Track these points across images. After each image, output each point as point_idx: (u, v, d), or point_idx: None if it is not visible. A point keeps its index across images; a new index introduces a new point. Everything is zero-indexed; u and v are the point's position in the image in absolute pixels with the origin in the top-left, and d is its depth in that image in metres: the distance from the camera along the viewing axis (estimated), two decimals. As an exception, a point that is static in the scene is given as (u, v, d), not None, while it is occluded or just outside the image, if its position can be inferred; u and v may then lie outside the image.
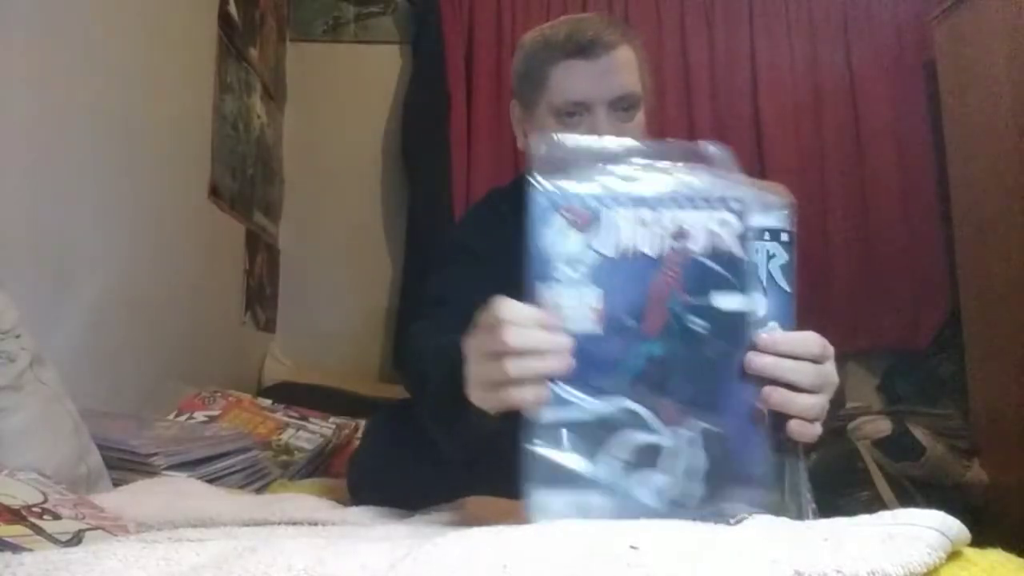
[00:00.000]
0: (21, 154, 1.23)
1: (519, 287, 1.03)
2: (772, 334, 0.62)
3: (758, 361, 0.61)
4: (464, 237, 1.14)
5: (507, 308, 0.60)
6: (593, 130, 1.02)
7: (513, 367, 0.59)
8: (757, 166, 2.69)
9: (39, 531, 0.68)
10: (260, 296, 2.50)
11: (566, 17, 1.11)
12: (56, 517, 0.72)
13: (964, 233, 2.32)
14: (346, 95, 2.83)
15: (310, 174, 2.79)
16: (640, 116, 1.06)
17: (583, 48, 1.03)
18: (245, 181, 2.33)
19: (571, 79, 1.03)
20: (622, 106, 1.04)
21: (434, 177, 2.65)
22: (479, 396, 0.64)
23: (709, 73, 2.76)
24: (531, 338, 0.59)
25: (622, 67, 1.04)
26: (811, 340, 0.63)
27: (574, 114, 1.03)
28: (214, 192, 2.05)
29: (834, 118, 2.74)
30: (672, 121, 2.72)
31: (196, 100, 1.99)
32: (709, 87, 2.75)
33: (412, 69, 2.78)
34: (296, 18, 2.86)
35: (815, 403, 0.62)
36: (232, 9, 2.21)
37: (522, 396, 0.59)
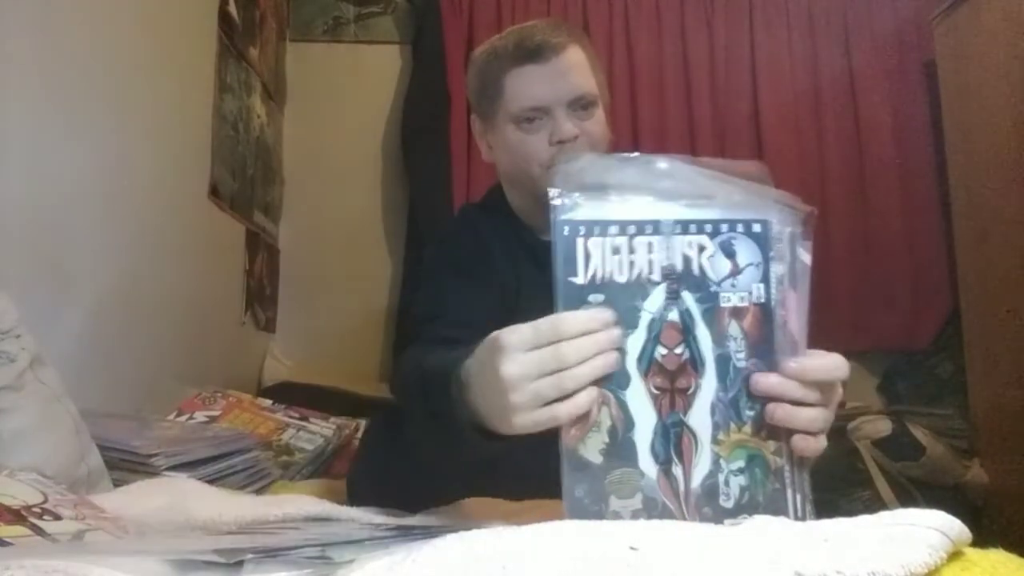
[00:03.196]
0: (21, 154, 1.23)
1: (502, 300, 1.04)
2: (801, 362, 0.61)
3: (764, 382, 0.61)
4: (444, 254, 1.15)
5: (560, 322, 0.59)
6: (554, 132, 1.03)
7: (570, 380, 0.58)
8: (757, 166, 2.69)
9: (39, 531, 0.68)
10: (260, 296, 2.50)
11: (513, 27, 1.12)
12: (56, 517, 0.72)
13: (964, 233, 2.32)
14: (346, 95, 2.83)
15: (310, 174, 2.79)
16: (599, 113, 1.07)
17: (532, 53, 1.04)
18: (245, 181, 2.33)
19: (525, 85, 1.04)
20: (580, 105, 1.05)
21: (434, 177, 2.65)
22: (524, 421, 0.60)
23: (709, 73, 2.76)
24: (587, 347, 0.58)
25: (574, 67, 1.05)
26: (838, 365, 0.63)
27: (533, 119, 1.04)
28: (214, 192, 2.05)
29: (834, 118, 2.74)
30: (672, 121, 2.72)
31: (196, 100, 1.99)
32: (709, 87, 2.75)
33: (412, 69, 2.78)
34: (296, 18, 2.86)
35: (818, 416, 0.62)
36: (232, 9, 2.21)
37: (582, 406, 0.58)
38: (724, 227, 0.63)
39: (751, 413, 0.62)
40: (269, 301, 2.62)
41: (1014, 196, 2.06)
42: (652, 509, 0.60)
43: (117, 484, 1.06)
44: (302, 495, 1.09)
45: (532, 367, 0.59)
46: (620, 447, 0.60)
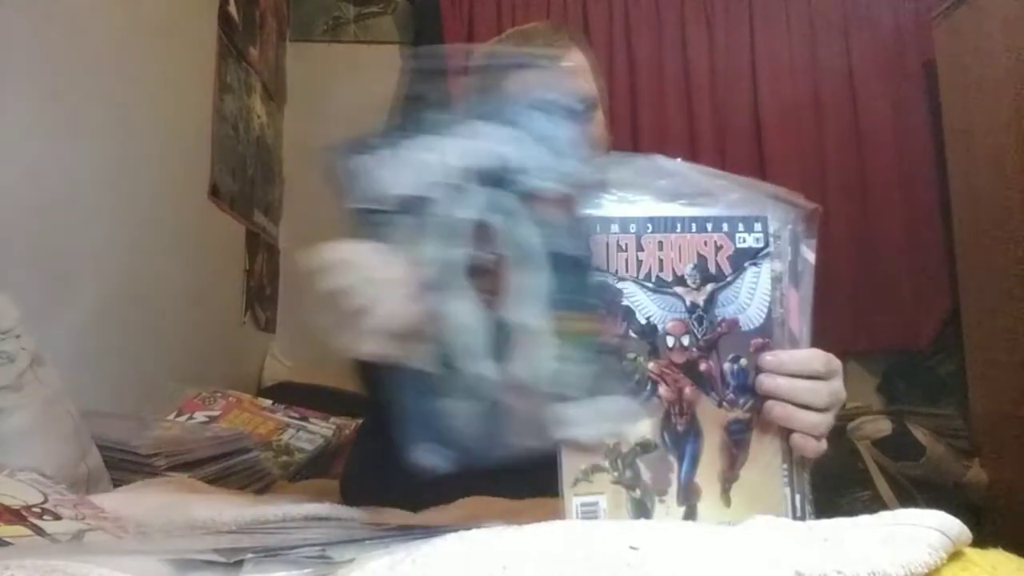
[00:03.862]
0: (21, 154, 1.23)
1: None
2: (777, 354, 0.62)
3: (770, 383, 0.60)
4: None
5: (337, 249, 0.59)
6: None
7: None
8: (757, 166, 2.69)
9: (39, 531, 0.68)
10: (260, 296, 2.50)
11: (512, 30, 1.12)
12: (56, 517, 0.72)
13: (964, 233, 2.32)
14: (346, 95, 2.83)
15: (310, 174, 2.79)
16: (599, 116, 1.08)
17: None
18: (245, 181, 2.33)
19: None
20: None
21: (434, 177, 2.65)
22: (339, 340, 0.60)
23: (709, 73, 2.76)
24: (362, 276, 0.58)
25: (575, 71, 1.05)
26: (815, 358, 0.62)
27: None
28: (214, 192, 2.05)
29: (834, 118, 2.74)
30: (672, 121, 2.72)
31: (196, 100, 1.99)
32: (709, 87, 2.75)
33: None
34: (296, 18, 2.86)
35: (822, 421, 0.61)
36: (232, 9, 2.21)
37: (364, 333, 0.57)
38: (724, 225, 0.63)
39: None
40: (269, 301, 2.62)
41: (1014, 196, 2.06)
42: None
43: (117, 484, 1.06)
44: (303, 495, 1.09)
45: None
46: None
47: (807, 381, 0.61)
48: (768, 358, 0.61)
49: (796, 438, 0.61)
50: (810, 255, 0.64)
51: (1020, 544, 0.51)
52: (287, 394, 1.96)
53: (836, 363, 0.64)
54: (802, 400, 0.61)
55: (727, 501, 0.61)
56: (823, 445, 0.62)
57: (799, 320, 0.64)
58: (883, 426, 2.19)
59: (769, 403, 0.61)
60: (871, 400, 2.58)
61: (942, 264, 2.59)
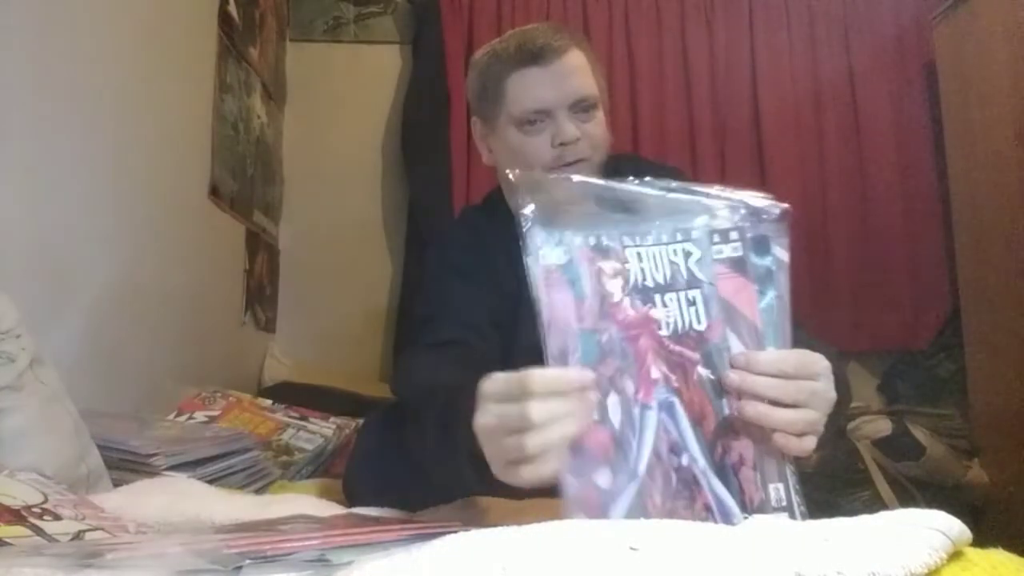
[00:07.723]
0: (21, 154, 1.23)
1: (503, 301, 1.05)
2: (747, 353, 0.61)
3: (733, 379, 0.61)
4: (445, 256, 1.15)
5: (528, 380, 0.57)
6: (556, 134, 1.04)
7: (532, 443, 0.56)
8: (757, 166, 2.69)
9: (39, 532, 0.68)
10: (260, 296, 2.50)
11: (514, 30, 1.13)
12: (56, 518, 0.72)
13: (964, 233, 2.32)
14: (346, 95, 2.83)
15: (310, 174, 2.79)
16: (600, 115, 1.08)
17: (535, 56, 1.04)
18: (245, 181, 2.33)
19: (528, 88, 1.05)
20: (582, 107, 1.05)
21: (434, 177, 2.65)
22: (506, 474, 0.60)
23: (709, 73, 2.76)
24: (553, 409, 0.56)
25: (575, 70, 1.06)
26: (786, 358, 0.62)
27: (535, 121, 1.05)
28: (214, 192, 2.05)
29: (834, 118, 2.74)
30: (672, 122, 2.72)
31: (196, 100, 1.99)
32: (709, 87, 2.75)
33: (412, 69, 2.78)
34: (296, 18, 2.86)
35: (796, 418, 0.61)
36: (232, 9, 2.21)
37: (545, 470, 0.57)
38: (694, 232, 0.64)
39: None
40: (269, 301, 2.61)
41: (1014, 196, 2.06)
42: None
43: (117, 484, 1.06)
44: (302, 495, 1.09)
45: (498, 422, 0.58)
46: None
47: (772, 379, 0.61)
48: (739, 358, 0.61)
49: (778, 437, 0.61)
50: (783, 255, 0.64)
51: (1020, 544, 0.51)
52: (287, 394, 1.96)
53: (820, 364, 0.64)
54: (768, 396, 0.61)
55: None
56: (808, 444, 0.62)
57: (756, 311, 0.63)
58: (883, 426, 2.18)
59: (742, 402, 0.61)
60: (871, 400, 2.58)
61: (942, 264, 2.59)
